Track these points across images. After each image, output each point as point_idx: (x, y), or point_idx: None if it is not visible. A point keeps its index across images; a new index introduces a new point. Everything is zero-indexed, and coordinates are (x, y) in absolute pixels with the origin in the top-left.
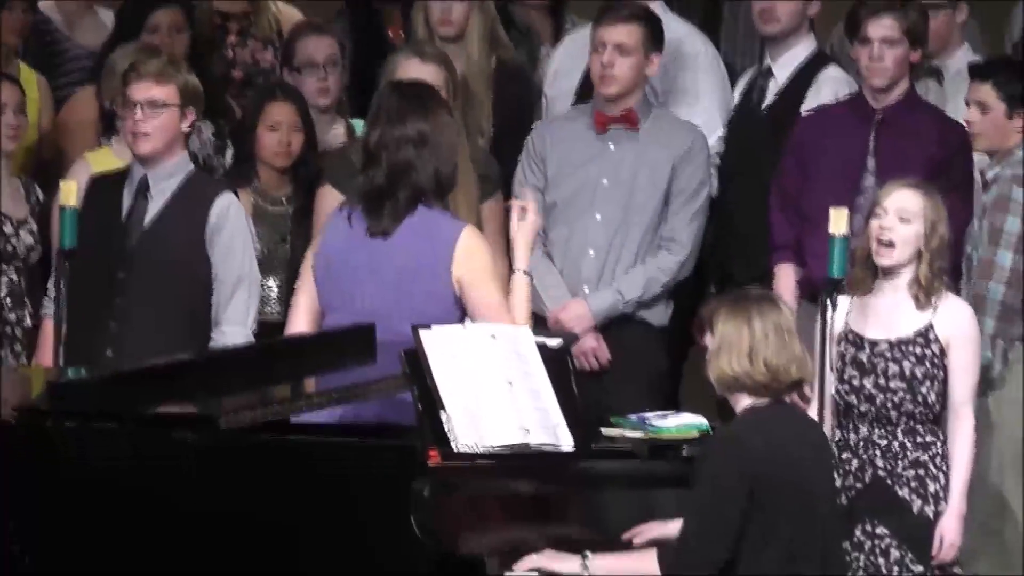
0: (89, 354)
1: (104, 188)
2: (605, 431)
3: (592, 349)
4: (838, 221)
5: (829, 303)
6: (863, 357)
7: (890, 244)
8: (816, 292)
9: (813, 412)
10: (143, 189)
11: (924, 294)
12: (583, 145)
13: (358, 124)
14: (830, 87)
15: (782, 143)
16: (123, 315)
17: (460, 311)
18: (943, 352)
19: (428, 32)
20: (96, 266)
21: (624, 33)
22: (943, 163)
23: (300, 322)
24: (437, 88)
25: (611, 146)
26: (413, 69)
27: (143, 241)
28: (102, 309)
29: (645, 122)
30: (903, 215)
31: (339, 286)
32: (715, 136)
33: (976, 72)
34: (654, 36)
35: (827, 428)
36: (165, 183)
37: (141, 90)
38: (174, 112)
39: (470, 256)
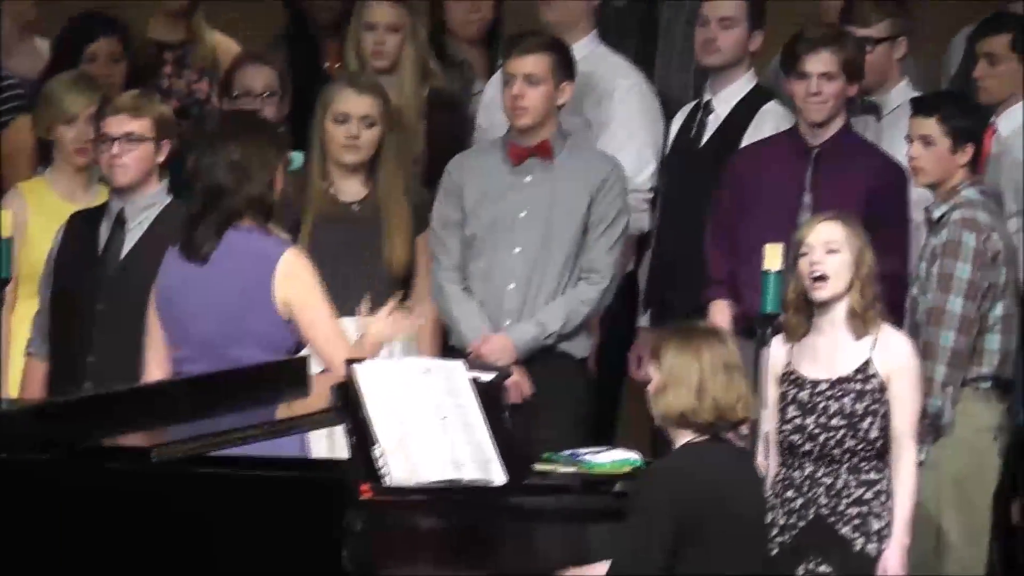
0: (69, 388)
1: (81, 223)
2: (538, 466)
3: (514, 383)
4: (772, 257)
5: (763, 339)
6: (804, 396)
7: (823, 278)
8: (751, 327)
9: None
10: (120, 221)
11: (861, 322)
12: (499, 178)
13: (296, 157)
14: (771, 122)
15: (721, 177)
16: (101, 347)
17: (296, 332)
18: (883, 387)
19: (361, 64)
20: (75, 300)
21: (532, 64)
22: (879, 198)
23: (153, 363)
24: (368, 116)
25: (527, 178)
26: (347, 99)
27: (120, 273)
28: (81, 343)
29: (560, 153)
30: (830, 247)
31: (176, 319)
32: (647, 172)
33: (921, 106)
34: (564, 64)
35: (760, 463)
36: (143, 215)
37: (117, 124)
38: (150, 144)
39: (292, 277)
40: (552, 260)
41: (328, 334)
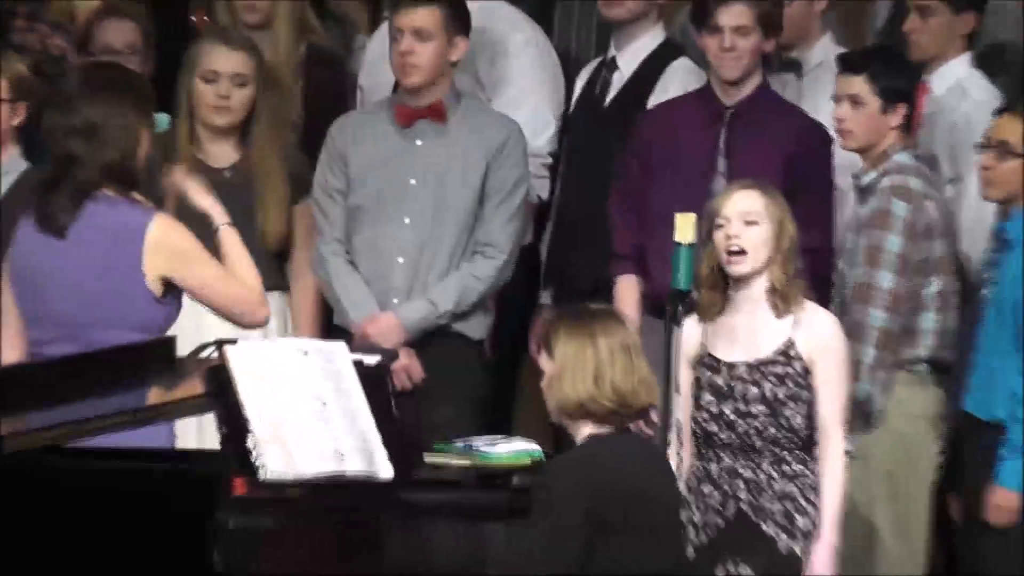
0: None
1: None
2: (429, 458)
3: (403, 366)
4: (685, 228)
5: (674, 319)
6: (720, 381)
7: (741, 252)
8: (661, 306)
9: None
10: None
11: (782, 300)
12: (387, 142)
13: (162, 119)
14: (679, 80)
15: (627, 140)
16: None
17: (165, 311)
18: (807, 370)
19: (232, 19)
20: None
21: (421, 17)
22: (801, 164)
23: (8, 343)
24: (240, 75)
25: (418, 142)
26: (217, 56)
27: None
28: None
29: (455, 115)
30: (748, 218)
31: (34, 298)
32: (546, 135)
33: (848, 64)
34: (457, 18)
35: (672, 454)
36: None
37: None
38: (5, 107)
39: (164, 248)
40: (445, 232)
41: (232, 296)
